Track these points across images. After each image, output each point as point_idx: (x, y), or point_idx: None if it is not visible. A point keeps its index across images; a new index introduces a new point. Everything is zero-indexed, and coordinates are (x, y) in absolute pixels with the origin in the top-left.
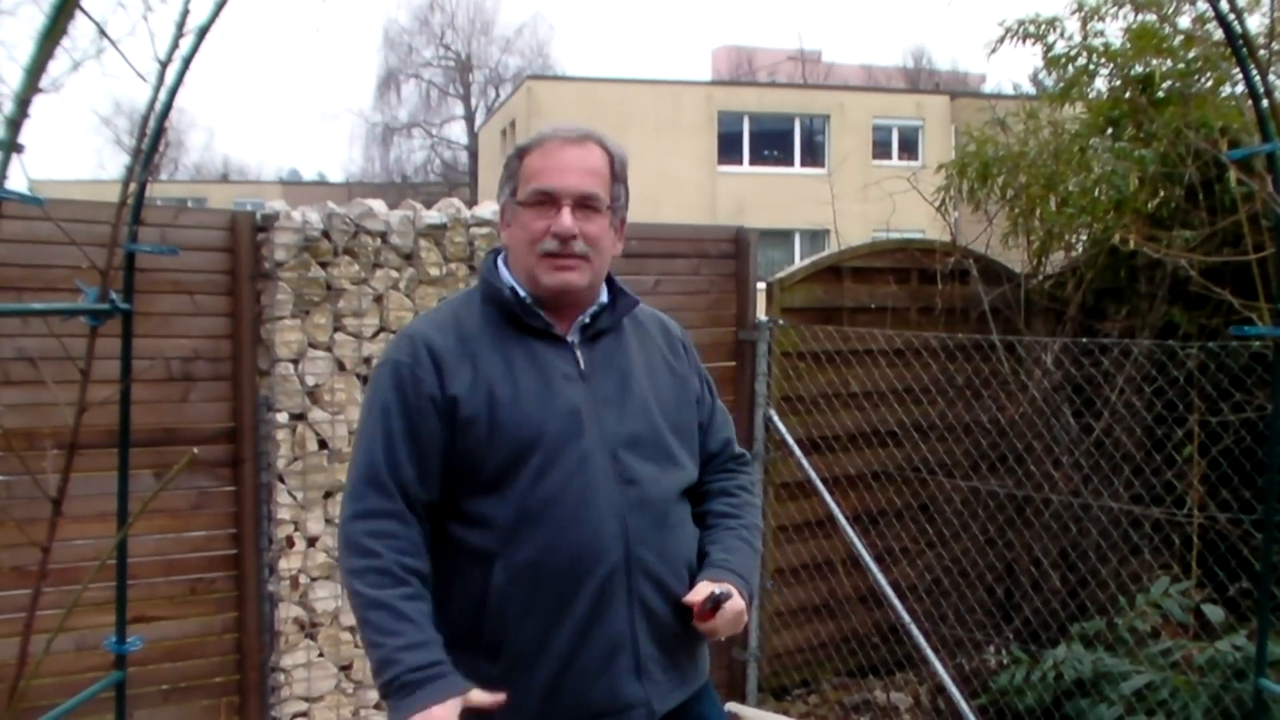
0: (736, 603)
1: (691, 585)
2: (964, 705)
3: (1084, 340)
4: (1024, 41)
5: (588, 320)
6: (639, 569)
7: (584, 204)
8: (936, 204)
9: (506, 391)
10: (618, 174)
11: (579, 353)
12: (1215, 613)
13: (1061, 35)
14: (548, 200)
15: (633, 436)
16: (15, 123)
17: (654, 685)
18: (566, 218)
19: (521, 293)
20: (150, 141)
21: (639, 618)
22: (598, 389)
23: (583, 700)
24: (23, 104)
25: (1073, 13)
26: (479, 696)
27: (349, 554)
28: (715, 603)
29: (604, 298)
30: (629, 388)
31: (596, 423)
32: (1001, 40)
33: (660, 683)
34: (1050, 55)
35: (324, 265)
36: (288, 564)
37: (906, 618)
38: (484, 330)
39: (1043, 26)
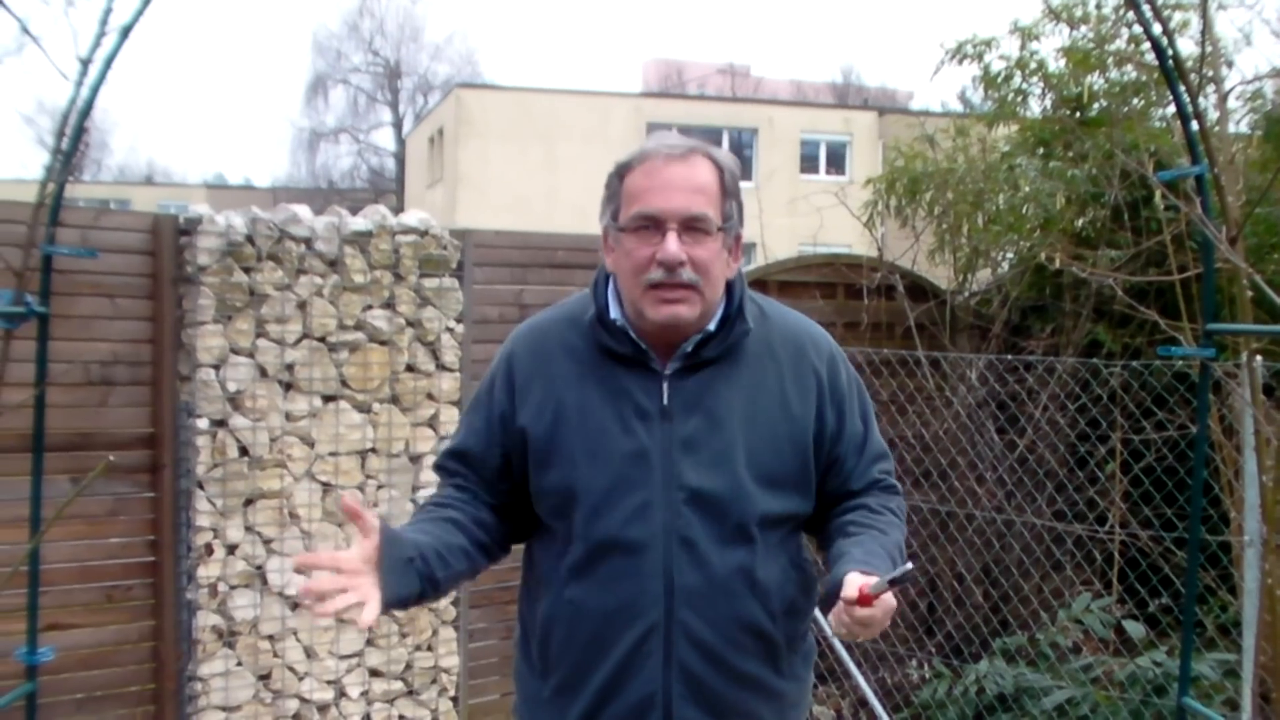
0: (890, 600)
1: (755, 652)
2: (886, 719)
3: (1009, 357)
4: (963, 62)
5: (690, 349)
6: (681, 633)
7: (692, 226)
8: (864, 219)
9: (571, 422)
10: (728, 188)
11: (667, 385)
12: (1136, 629)
13: (999, 56)
14: (651, 225)
15: (702, 492)
16: None
17: None
18: (672, 244)
19: (613, 314)
20: (71, 141)
21: (677, 681)
22: (678, 429)
23: None
24: None
25: (1010, 32)
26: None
27: None
28: (876, 591)
29: (712, 325)
30: (716, 432)
31: (666, 469)
32: (943, 62)
33: None
34: (988, 75)
35: (247, 270)
36: (206, 571)
37: (829, 631)
38: (572, 347)
39: (980, 47)
